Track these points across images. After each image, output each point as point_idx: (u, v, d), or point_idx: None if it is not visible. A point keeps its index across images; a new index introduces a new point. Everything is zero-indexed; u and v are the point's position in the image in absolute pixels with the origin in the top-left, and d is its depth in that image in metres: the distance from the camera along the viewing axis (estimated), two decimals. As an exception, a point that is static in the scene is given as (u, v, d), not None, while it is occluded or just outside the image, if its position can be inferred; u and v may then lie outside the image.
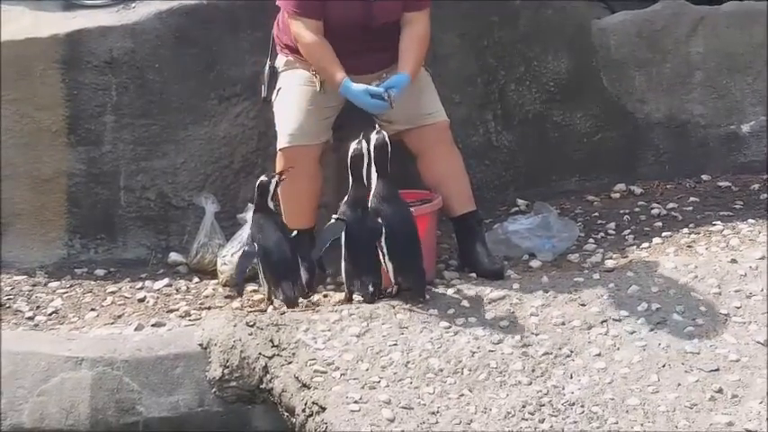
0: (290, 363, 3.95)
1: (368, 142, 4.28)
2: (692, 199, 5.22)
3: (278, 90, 4.66)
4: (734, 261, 4.42)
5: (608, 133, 5.42)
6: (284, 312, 4.24)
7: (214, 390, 4.06)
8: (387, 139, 4.29)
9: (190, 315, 4.48)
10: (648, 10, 5.45)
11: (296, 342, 4.01)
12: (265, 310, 4.34)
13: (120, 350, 4.11)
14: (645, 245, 4.79)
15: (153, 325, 4.40)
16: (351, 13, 4.46)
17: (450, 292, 4.37)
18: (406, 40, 4.51)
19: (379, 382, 3.80)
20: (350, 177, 4.32)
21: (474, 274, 4.56)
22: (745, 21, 5.48)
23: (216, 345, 4.11)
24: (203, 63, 4.96)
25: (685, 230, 4.88)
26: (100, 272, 4.87)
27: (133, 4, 5.01)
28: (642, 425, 3.58)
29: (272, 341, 4.03)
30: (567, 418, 3.62)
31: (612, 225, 5.02)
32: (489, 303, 4.26)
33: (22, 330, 4.41)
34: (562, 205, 5.23)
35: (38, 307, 4.61)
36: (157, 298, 4.65)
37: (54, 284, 4.78)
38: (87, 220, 4.96)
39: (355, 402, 3.69)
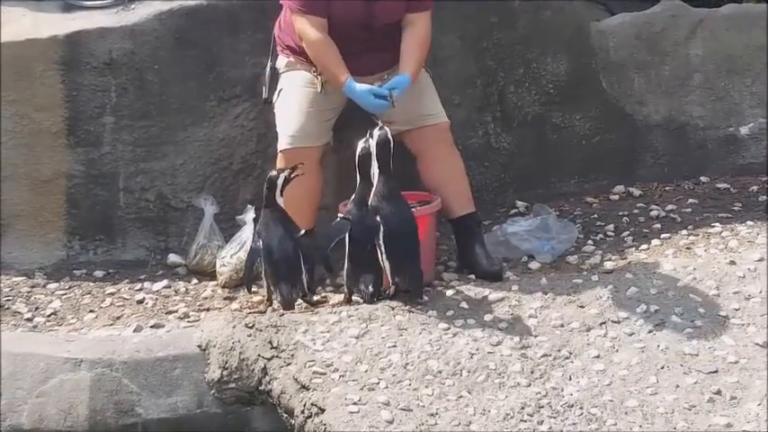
0: (288, 364, 3.95)
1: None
2: (690, 201, 5.22)
3: (279, 91, 4.66)
4: (732, 263, 4.43)
5: (607, 135, 5.42)
6: (283, 314, 4.24)
7: (213, 391, 4.06)
8: (389, 135, 4.29)
9: (189, 316, 4.48)
10: (647, 12, 5.45)
11: (295, 343, 4.01)
12: (264, 312, 4.34)
13: (118, 351, 4.11)
14: (644, 246, 4.79)
15: (152, 326, 4.40)
16: (353, 13, 4.46)
17: (449, 293, 4.37)
18: (407, 41, 4.51)
19: (378, 383, 3.80)
20: (357, 176, 4.32)
21: (473, 276, 4.56)
22: (743, 23, 5.48)
23: (215, 346, 4.11)
24: (203, 64, 4.96)
25: (684, 232, 4.88)
26: (99, 273, 4.87)
27: (132, 6, 5.01)
28: (641, 426, 3.58)
29: (270, 342, 4.03)
30: (566, 419, 3.62)
31: (611, 227, 5.02)
32: (488, 305, 4.26)
33: (21, 332, 4.41)
34: (561, 207, 5.24)
35: (37, 308, 4.61)
36: (156, 299, 4.65)
37: (53, 286, 4.78)
38: (86, 221, 4.96)
39: (354, 404, 3.69)
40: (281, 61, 4.69)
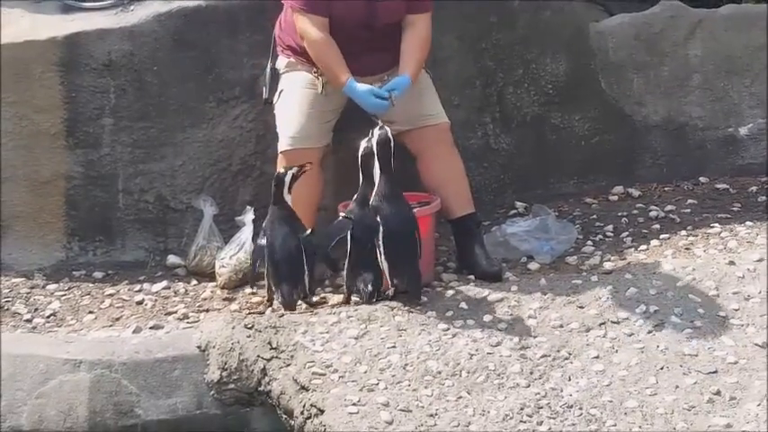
0: (288, 365, 3.95)
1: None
2: (689, 201, 5.22)
3: (280, 92, 4.66)
4: (732, 263, 4.43)
5: (606, 136, 5.42)
6: (282, 315, 4.24)
7: (212, 392, 4.06)
8: (390, 134, 4.29)
9: (188, 317, 4.47)
10: (647, 13, 5.45)
11: (294, 344, 4.01)
12: (263, 312, 4.34)
13: (118, 352, 4.11)
14: (643, 247, 4.79)
15: (151, 327, 4.40)
16: (354, 13, 4.46)
17: (448, 294, 4.37)
18: (407, 41, 4.51)
19: (377, 384, 3.80)
20: (360, 175, 4.32)
21: (472, 277, 4.56)
22: (743, 24, 5.48)
23: (214, 347, 4.11)
24: (202, 66, 4.96)
25: (683, 233, 4.88)
26: (98, 274, 4.87)
27: (131, 7, 5.01)
28: (640, 427, 3.58)
29: (270, 343, 4.03)
30: (566, 420, 3.62)
31: (610, 227, 5.02)
32: (487, 306, 4.26)
33: (21, 333, 4.41)
34: (560, 208, 5.24)
35: (36, 309, 4.61)
36: (156, 300, 4.65)
37: (52, 287, 4.78)
38: (85, 222, 4.96)
39: (354, 405, 3.69)
40: (282, 62, 4.69)
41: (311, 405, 3.76)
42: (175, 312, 4.52)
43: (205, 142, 4.99)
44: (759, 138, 5.48)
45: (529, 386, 3.78)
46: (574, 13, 5.40)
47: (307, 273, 4.34)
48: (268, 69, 4.74)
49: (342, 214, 4.43)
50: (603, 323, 4.11)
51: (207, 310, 4.53)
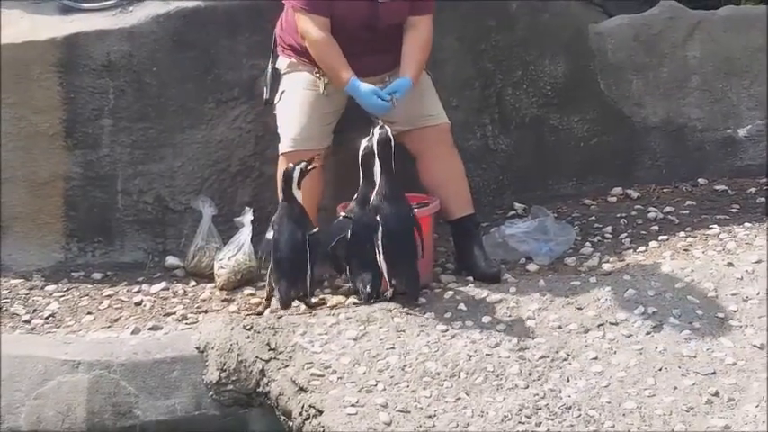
0: (287, 366, 3.95)
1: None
2: (688, 203, 5.23)
3: (281, 93, 4.65)
4: (730, 264, 4.43)
5: (605, 137, 5.43)
6: (281, 316, 4.25)
7: (211, 393, 4.06)
8: (390, 134, 4.29)
9: (187, 318, 4.47)
10: (645, 14, 5.46)
11: (293, 345, 4.01)
12: (262, 312, 4.34)
13: (116, 353, 4.11)
14: (641, 248, 4.79)
15: (150, 328, 4.40)
16: (356, 13, 4.46)
17: (447, 295, 4.38)
18: (409, 43, 4.51)
19: (376, 385, 3.80)
20: (360, 175, 4.32)
21: (471, 278, 4.56)
22: (741, 25, 5.49)
23: (213, 348, 4.11)
24: (201, 66, 4.96)
25: (682, 234, 4.88)
26: (97, 275, 4.87)
27: (130, 8, 5.01)
28: (639, 428, 3.58)
29: (269, 344, 4.03)
30: (564, 421, 3.62)
31: (609, 229, 5.02)
32: (486, 307, 4.26)
33: (19, 334, 4.40)
34: (559, 209, 5.24)
35: (35, 310, 4.61)
36: (154, 301, 4.65)
37: (51, 288, 4.77)
38: (84, 223, 4.96)
39: (352, 406, 3.69)
40: (283, 62, 4.68)
41: (310, 406, 3.76)
42: (174, 313, 4.52)
43: (204, 143, 4.99)
44: (758, 139, 5.48)
45: (527, 387, 3.79)
46: (573, 15, 5.41)
47: (309, 272, 4.33)
48: (269, 70, 4.73)
49: (342, 215, 4.44)
50: (602, 324, 4.11)
51: (205, 311, 4.53)
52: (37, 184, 4.92)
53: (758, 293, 4.22)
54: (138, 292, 4.73)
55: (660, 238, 4.87)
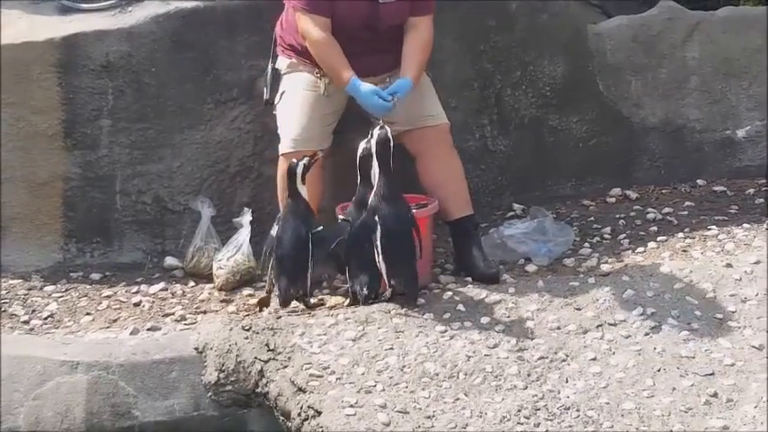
0: (285, 367, 3.95)
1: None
2: (687, 203, 5.23)
3: (281, 93, 4.65)
4: (729, 265, 4.43)
5: (604, 138, 5.43)
6: (280, 316, 4.25)
7: (210, 394, 4.06)
8: (389, 134, 4.29)
9: (185, 319, 4.47)
10: (644, 15, 5.46)
11: (292, 346, 4.01)
12: (261, 310, 4.34)
13: (115, 354, 4.11)
14: (640, 249, 4.79)
15: (148, 329, 4.40)
16: (357, 14, 4.46)
17: (445, 296, 4.37)
18: (409, 44, 4.51)
19: (374, 386, 3.80)
20: (358, 176, 4.32)
21: (470, 279, 4.56)
22: (740, 26, 5.49)
23: (211, 349, 4.11)
24: (200, 67, 4.96)
25: (681, 235, 4.88)
26: (95, 276, 4.87)
27: (129, 8, 5.01)
28: (637, 429, 3.58)
29: (267, 345, 4.03)
30: (563, 422, 3.62)
31: (608, 229, 5.02)
32: (485, 307, 4.26)
33: (18, 334, 4.40)
34: (558, 210, 5.24)
35: (33, 311, 4.61)
36: (153, 302, 4.65)
37: (50, 288, 4.77)
38: (83, 223, 4.96)
39: (351, 406, 3.69)
40: (283, 62, 4.68)
41: (308, 407, 3.76)
42: (173, 314, 4.52)
43: (203, 144, 4.99)
44: (756, 140, 5.49)
45: (526, 388, 3.79)
46: (571, 16, 5.41)
47: (310, 270, 4.33)
48: (269, 70, 4.72)
49: (341, 217, 4.43)
50: (601, 325, 4.11)
51: (204, 312, 4.53)
52: (36, 185, 4.91)
53: (757, 294, 4.22)
54: (137, 292, 4.73)
55: (659, 238, 4.87)
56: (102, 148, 4.93)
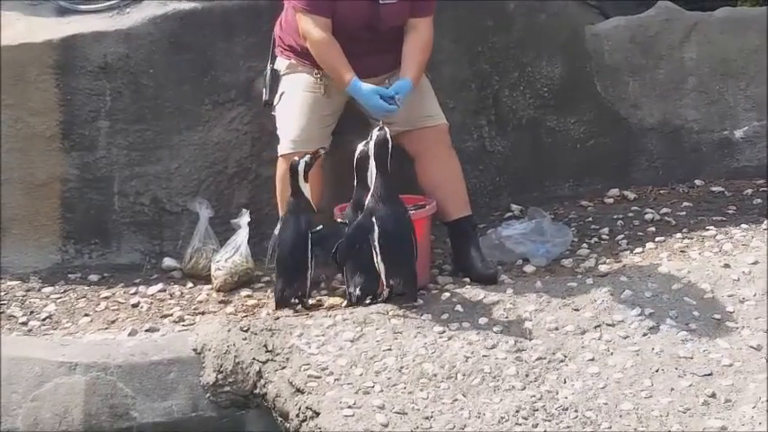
0: (283, 368, 3.95)
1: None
2: (685, 204, 5.23)
3: (281, 94, 4.64)
4: (727, 266, 4.43)
5: (601, 139, 5.43)
6: (278, 317, 4.25)
7: (208, 395, 4.06)
8: (388, 136, 4.28)
9: (184, 320, 4.47)
10: (642, 16, 5.46)
11: (290, 347, 4.01)
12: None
13: (113, 355, 4.11)
14: (638, 250, 4.79)
15: (147, 330, 4.40)
16: (358, 14, 4.46)
17: (444, 296, 4.38)
18: (409, 45, 4.51)
19: (372, 386, 3.80)
20: (355, 178, 4.32)
21: (468, 279, 4.56)
22: (738, 27, 5.49)
23: (210, 350, 4.11)
24: (197, 68, 4.96)
25: (678, 235, 4.89)
26: (94, 277, 4.86)
27: (127, 9, 5.00)
28: (636, 429, 3.58)
29: (266, 346, 4.03)
30: (561, 422, 3.62)
31: (606, 230, 5.03)
32: (483, 308, 4.26)
33: (16, 336, 4.40)
34: (556, 210, 5.24)
35: (31, 312, 4.60)
36: (151, 303, 4.64)
37: (48, 290, 4.77)
38: (81, 225, 4.96)
39: (349, 407, 3.69)
40: (282, 63, 4.67)
41: (307, 408, 3.76)
42: (171, 315, 4.52)
43: (201, 145, 4.99)
44: (754, 140, 5.49)
45: (524, 389, 3.79)
46: (569, 17, 5.41)
47: (310, 270, 4.33)
48: (268, 70, 4.72)
49: (338, 219, 4.43)
50: (599, 326, 4.11)
51: (202, 313, 4.53)
52: (34, 186, 4.91)
53: (755, 295, 4.22)
54: (135, 293, 4.73)
55: (657, 239, 4.87)
56: (100, 150, 4.93)
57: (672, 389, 3.75)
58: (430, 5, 4.56)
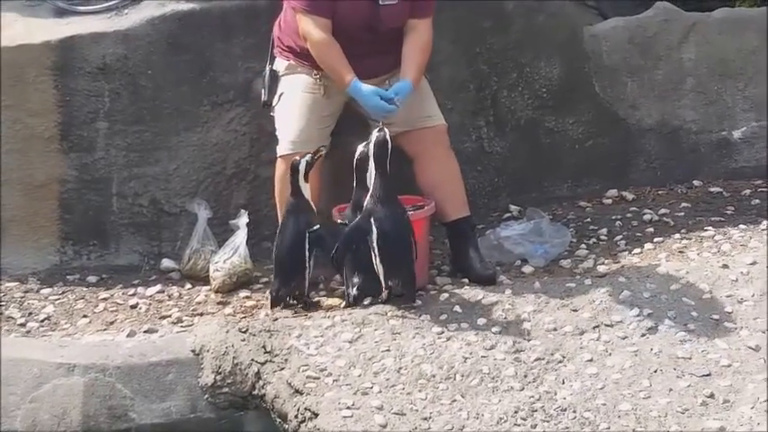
0: (282, 369, 3.95)
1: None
2: (683, 204, 5.23)
3: (280, 95, 4.64)
4: (725, 266, 4.43)
5: (600, 139, 5.43)
6: (276, 318, 4.25)
7: (206, 396, 4.06)
8: (388, 137, 4.28)
9: (182, 321, 4.47)
10: (640, 16, 5.46)
11: (288, 348, 4.01)
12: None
13: (112, 356, 4.11)
14: (637, 250, 4.79)
15: (145, 331, 4.39)
16: (358, 15, 4.46)
17: (442, 297, 4.37)
18: (409, 46, 4.51)
19: (371, 387, 3.80)
20: (354, 180, 4.32)
21: (466, 280, 4.56)
22: (736, 27, 5.49)
23: (208, 351, 4.11)
24: (196, 69, 4.95)
25: (677, 236, 4.89)
26: (92, 278, 4.86)
27: (126, 11, 5.00)
28: (634, 430, 3.58)
29: (264, 347, 4.03)
30: (560, 423, 3.62)
31: (604, 231, 5.03)
32: (482, 309, 4.26)
33: (15, 337, 4.40)
34: (554, 211, 5.24)
35: (30, 313, 4.60)
36: (150, 304, 4.64)
37: (46, 291, 4.77)
38: (80, 226, 4.96)
39: (348, 408, 3.69)
40: (281, 64, 4.67)
41: (305, 409, 3.77)
42: (169, 316, 4.52)
43: (199, 146, 4.99)
44: (752, 141, 5.49)
45: (523, 389, 3.79)
46: (568, 17, 5.41)
47: (308, 270, 4.33)
48: (267, 71, 4.71)
49: (338, 220, 4.43)
50: (597, 326, 4.11)
51: (201, 314, 4.53)
52: (32, 187, 4.91)
53: (753, 295, 4.22)
54: (134, 295, 4.73)
55: (655, 239, 4.87)
56: (99, 151, 4.93)
57: (670, 389, 3.75)
58: (430, 6, 4.56)
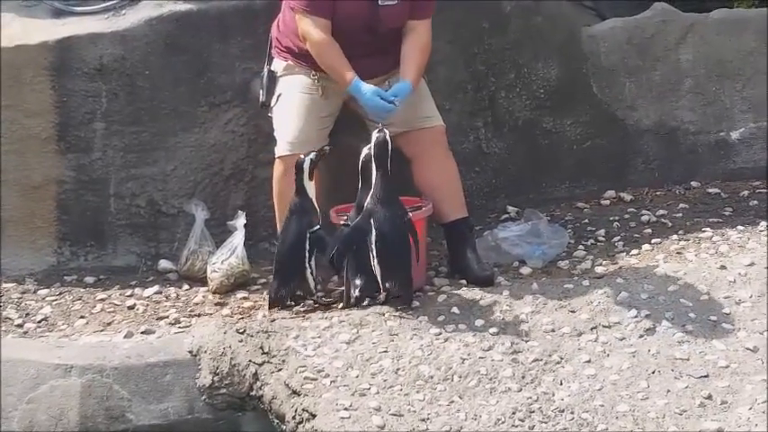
0: (280, 370, 3.95)
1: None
2: (681, 206, 5.23)
3: (278, 96, 4.64)
4: (723, 267, 4.43)
5: (598, 140, 5.43)
6: (274, 319, 4.25)
7: (204, 397, 4.06)
8: (388, 137, 4.28)
9: (179, 322, 4.47)
10: (638, 17, 5.46)
11: (286, 349, 4.01)
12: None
13: (109, 357, 4.11)
14: (634, 251, 4.79)
15: (143, 332, 4.39)
16: (358, 16, 4.45)
17: (440, 298, 4.37)
18: (408, 47, 4.51)
19: (369, 388, 3.80)
20: (360, 180, 4.32)
21: (464, 281, 4.55)
22: (734, 28, 5.50)
23: (206, 352, 4.10)
24: (193, 70, 4.95)
25: (675, 237, 4.89)
26: (89, 279, 4.86)
27: (123, 11, 5.00)
28: (632, 431, 3.58)
29: (262, 348, 4.03)
30: (557, 424, 3.62)
31: (602, 232, 5.03)
32: (479, 310, 4.26)
33: (12, 338, 4.39)
34: (552, 212, 5.24)
35: (27, 314, 4.60)
36: (147, 305, 4.64)
37: (43, 292, 4.76)
38: (77, 227, 4.95)
39: (345, 409, 3.69)
40: (279, 64, 4.67)
41: (303, 410, 3.76)
42: (167, 317, 4.52)
43: (197, 146, 4.98)
44: (750, 142, 5.49)
45: (521, 390, 3.78)
46: (566, 18, 5.41)
47: (309, 270, 4.33)
48: (265, 72, 4.71)
49: (341, 221, 4.43)
50: (595, 327, 4.11)
51: (198, 315, 4.53)
52: (29, 188, 4.91)
53: (751, 296, 4.22)
54: (131, 295, 4.72)
55: (653, 240, 4.87)
56: (96, 152, 4.93)
57: (668, 390, 3.75)
58: (429, 7, 4.56)
